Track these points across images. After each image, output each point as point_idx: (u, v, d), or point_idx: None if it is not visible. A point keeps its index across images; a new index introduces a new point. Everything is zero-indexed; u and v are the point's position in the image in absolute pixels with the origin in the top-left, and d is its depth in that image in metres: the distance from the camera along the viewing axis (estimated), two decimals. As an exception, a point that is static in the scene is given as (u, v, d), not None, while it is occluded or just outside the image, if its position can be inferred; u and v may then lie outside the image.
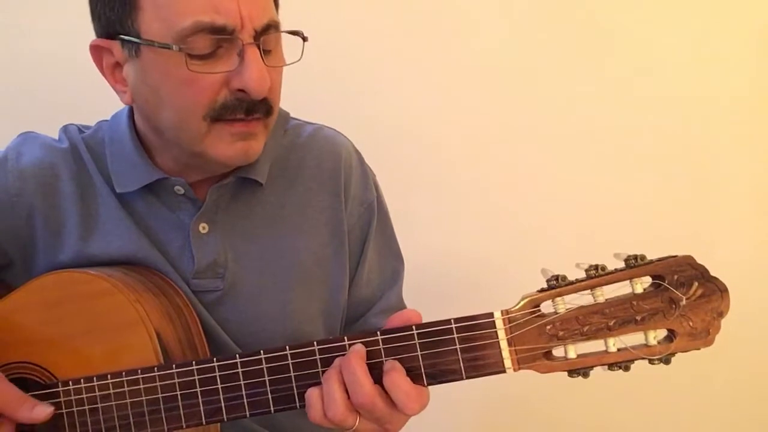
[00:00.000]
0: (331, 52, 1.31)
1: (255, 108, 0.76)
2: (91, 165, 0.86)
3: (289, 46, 0.81)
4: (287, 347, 0.68)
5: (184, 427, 0.70)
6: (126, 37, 0.74)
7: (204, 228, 0.84)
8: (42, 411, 0.71)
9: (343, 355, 0.67)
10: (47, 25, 1.33)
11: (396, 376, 0.65)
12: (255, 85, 0.73)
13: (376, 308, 0.93)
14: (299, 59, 0.80)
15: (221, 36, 0.72)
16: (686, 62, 1.34)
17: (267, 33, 0.75)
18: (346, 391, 0.65)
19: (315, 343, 0.68)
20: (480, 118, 1.37)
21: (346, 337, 0.67)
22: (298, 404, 0.68)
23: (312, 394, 0.67)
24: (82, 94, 1.16)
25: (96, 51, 0.79)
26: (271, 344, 0.82)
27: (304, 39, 0.80)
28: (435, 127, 1.38)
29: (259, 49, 0.73)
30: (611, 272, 0.63)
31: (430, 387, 0.67)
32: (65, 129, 0.90)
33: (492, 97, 1.37)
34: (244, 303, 0.85)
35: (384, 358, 0.66)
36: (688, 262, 0.62)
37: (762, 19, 1.32)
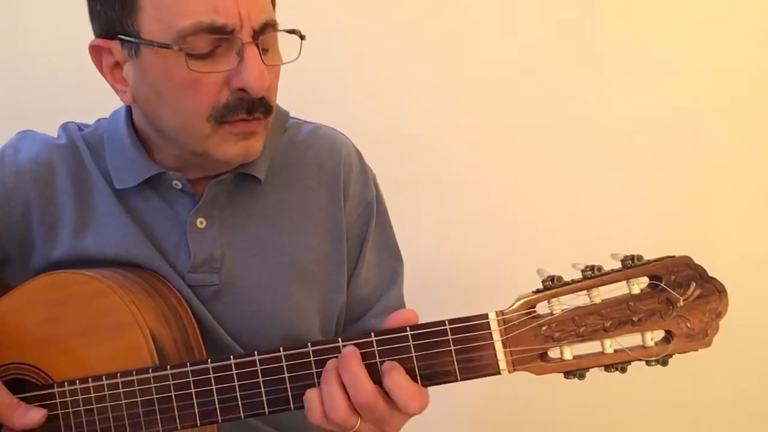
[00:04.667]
0: (331, 53, 1.32)
1: (255, 107, 0.76)
2: (89, 161, 0.86)
3: (285, 45, 0.80)
4: (281, 348, 0.68)
5: (179, 428, 0.70)
6: (125, 37, 0.74)
7: (201, 223, 0.84)
8: (35, 415, 0.71)
9: (338, 356, 0.66)
10: (47, 25, 1.33)
11: (397, 375, 0.64)
12: (255, 84, 0.73)
13: (375, 309, 0.93)
14: (297, 58, 0.80)
15: (221, 35, 0.72)
16: (686, 62, 1.34)
17: (265, 32, 0.75)
18: (347, 392, 0.64)
19: (309, 344, 0.67)
20: (477, 119, 1.37)
21: (340, 339, 0.67)
22: (292, 405, 0.68)
23: (311, 395, 0.66)
24: (81, 94, 1.16)
25: (95, 51, 0.79)
26: (268, 341, 0.84)
27: (302, 37, 0.80)
28: (433, 127, 1.37)
29: (258, 47, 0.74)
30: (608, 273, 0.62)
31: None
32: (64, 127, 0.91)
33: (491, 97, 1.36)
34: (241, 299, 0.84)
35: (379, 360, 0.65)
36: (686, 263, 0.61)
37: (762, 19, 1.31)
